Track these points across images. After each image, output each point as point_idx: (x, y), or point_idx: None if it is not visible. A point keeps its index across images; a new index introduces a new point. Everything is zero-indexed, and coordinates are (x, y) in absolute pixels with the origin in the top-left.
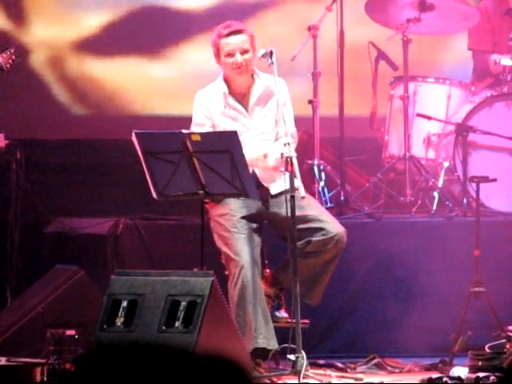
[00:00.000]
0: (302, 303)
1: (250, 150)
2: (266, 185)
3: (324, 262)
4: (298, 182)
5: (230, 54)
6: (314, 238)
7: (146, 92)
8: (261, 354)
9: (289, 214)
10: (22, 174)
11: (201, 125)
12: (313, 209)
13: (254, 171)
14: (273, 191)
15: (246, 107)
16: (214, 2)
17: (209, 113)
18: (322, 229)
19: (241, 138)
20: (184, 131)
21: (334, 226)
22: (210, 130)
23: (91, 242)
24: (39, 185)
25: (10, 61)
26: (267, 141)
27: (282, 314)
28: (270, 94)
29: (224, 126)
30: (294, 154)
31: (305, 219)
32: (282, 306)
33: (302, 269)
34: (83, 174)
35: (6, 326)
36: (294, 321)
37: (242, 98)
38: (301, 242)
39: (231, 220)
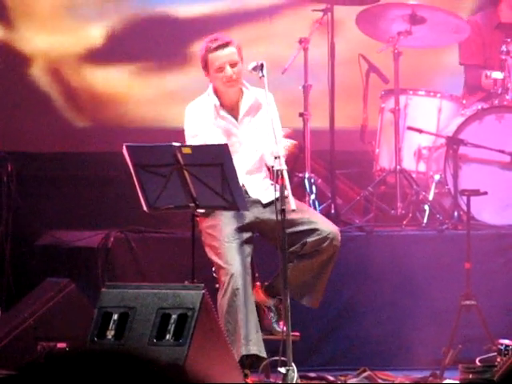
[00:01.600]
0: (294, 315)
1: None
2: (256, 197)
3: (321, 262)
4: (288, 195)
5: (221, 68)
6: (308, 239)
7: (140, 105)
8: (251, 361)
9: (278, 218)
10: (13, 187)
11: (196, 136)
12: (303, 212)
13: (243, 184)
14: (264, 201)
15: (236, 119)
16: (208, 13)
17: (201, 124)
18: (315, 229)
19: (233, 149)
20: (175, 144)
21: (326, 225)
22: (205, 140)
23: (82, 255)
24: (30, 197)
25: None
26: (257, 152)
27: (281, 327)
28: (258, 106)
29: (215, 137)
30: (284, 167)
31: (297, 222)
32: (280, 318)
33: (300, 272)
34: (74, 186)
35: None
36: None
37: (231, 109)
38: (296, 246)
39: (222, 230)
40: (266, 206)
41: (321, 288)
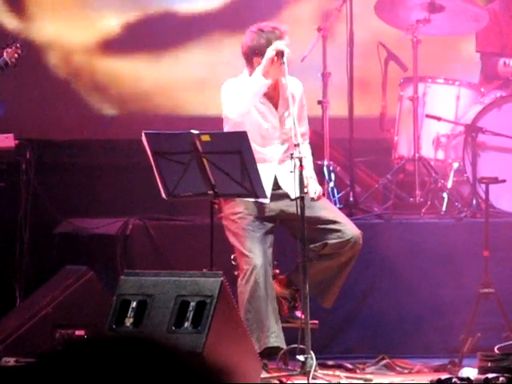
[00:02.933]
0: (312, 304)
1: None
2: (285, 190)
3: (339, 264)
4: (308, 184)
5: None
6: (330, 241)
7: (159, 92)
8: (272, 352)
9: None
10: (32, 175)
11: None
12: (329, 211)
13: (275, 176)
14: (293, 196)
15: (275, 106)
16: (224, 3)
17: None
18: (338, 231)
19: (267, 135)
20: (194, 131)
21: (350, 228)
22: (247, 116)
23: (101, 243)
24: (49, 185)
25: (16, 55)
26: (286, 142)
27: (298, 315)
28: (293, 95)
29: (252, 118)
30: (303, 155)
31: (321, 221)
32: (297, 307)
33: (318, 271)
34: (93, 174)
35: (16, 326)
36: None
37: (270, 97)
38: (317, 245)
39: (246, 219)
40: (293, 199)
41: (336, 289)
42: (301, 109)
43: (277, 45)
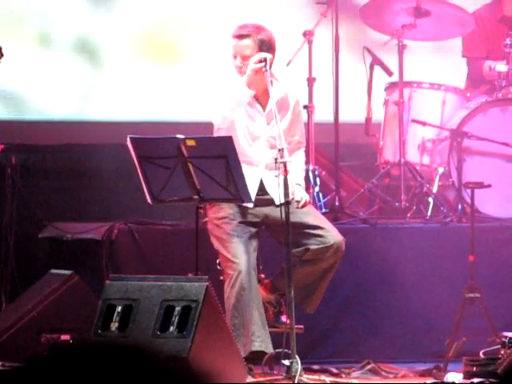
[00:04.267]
0: (297, 308)
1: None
2: (271, 195)
3: (322, 270)
4: (300, 190)
5: (234, 56)
6: (312, 246)
7: (145, 97)
8: (257, 357)
9: (284, 219)
10: (17, 179)
11: (233, 109)
12: (312, 217)
13: (261, 180)
14: (277, 201)
15: (263, 108)
16: (208, 5)
17: (234, 100)
18: (320, 236)
19: (254, 137)
20: (179, 136)
21: (332, 234)
22: (235, 116)
23: (86, 247)
24: (34, 190)
25: None
26: (274, 147)
27: (284, 320)
28: (286, 101)
29: (240, 121)
30: (288, 160)
31: (304, 226)
32: (283, 312)
33: (300, 277)
34: (78, 178)
35: (1, 330)
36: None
37: (259, 98)
38: (299, 250)
39: (230, 224)
40: (278, 206)
41: (319, 295)
42: (295, 117)
43: (259, 56)
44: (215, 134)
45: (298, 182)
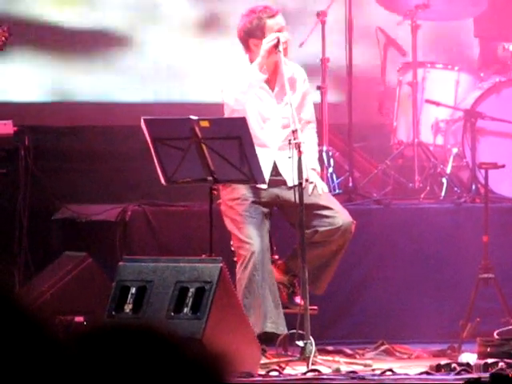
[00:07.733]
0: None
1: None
2: (284, 176)
3: (330, 252)
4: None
5: (280, 30)
6: (320, 228)
7: (158, 79)
8: (269, 338)
9: (297, 201)
10: (31, 161)
11: (245, 92)
12: (322, 198)
13: (274, 162)
14: (290, 183)
15: (272, 89)
16: None
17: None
18: (329, 217)
19: (264, 119)
20: (192, 117)
21: (341, 216)
22: (248, 100)
23: (100, 229)
24: (48, 171)
25: (3, 38)
26: (288, 128)
27: (298, 301)
28: (294, 81)
29: (252, 103)
30: (302, 141)
31: (314, 207)
32: (296, 293)
33: (309, 259)
34: (92, 160)
35: None
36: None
37: (268, 80)
38: (308, 232)
39: (243, 205)
40: (290, 187)
41: (328, 276)
42: (303, 96)
43: (271, 36)
44: (226, 115)
45: (313, 166)
